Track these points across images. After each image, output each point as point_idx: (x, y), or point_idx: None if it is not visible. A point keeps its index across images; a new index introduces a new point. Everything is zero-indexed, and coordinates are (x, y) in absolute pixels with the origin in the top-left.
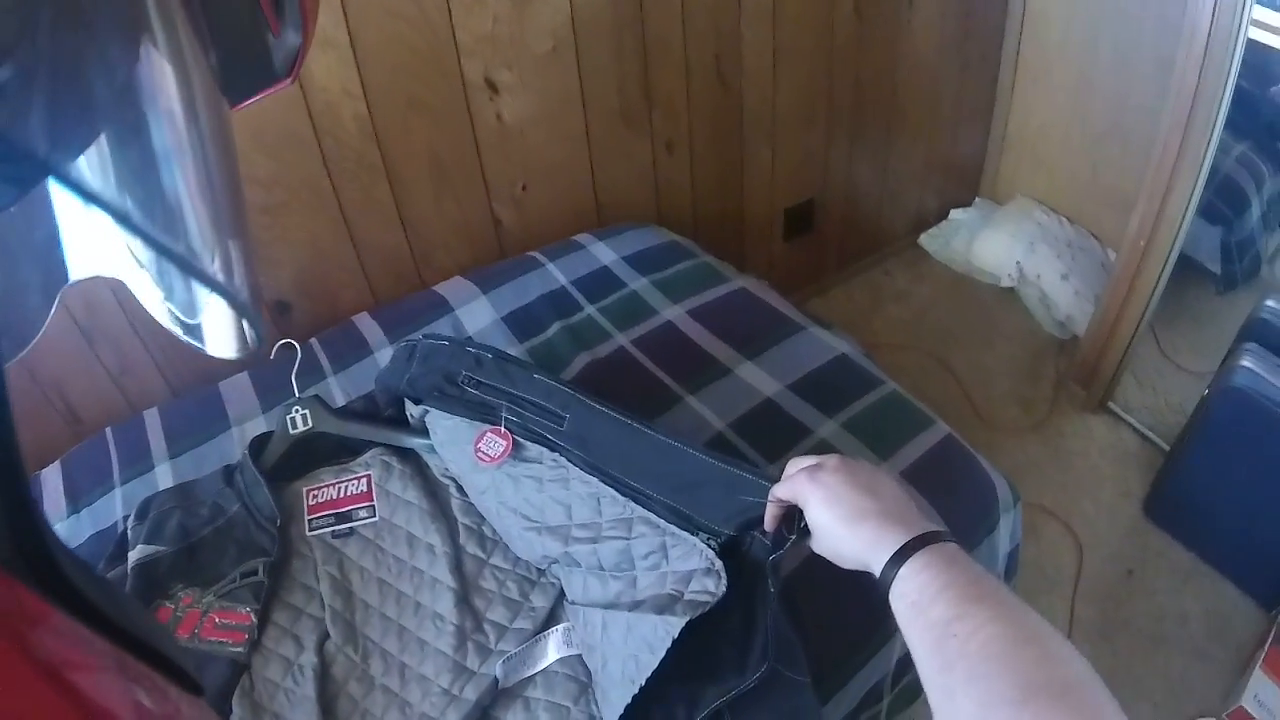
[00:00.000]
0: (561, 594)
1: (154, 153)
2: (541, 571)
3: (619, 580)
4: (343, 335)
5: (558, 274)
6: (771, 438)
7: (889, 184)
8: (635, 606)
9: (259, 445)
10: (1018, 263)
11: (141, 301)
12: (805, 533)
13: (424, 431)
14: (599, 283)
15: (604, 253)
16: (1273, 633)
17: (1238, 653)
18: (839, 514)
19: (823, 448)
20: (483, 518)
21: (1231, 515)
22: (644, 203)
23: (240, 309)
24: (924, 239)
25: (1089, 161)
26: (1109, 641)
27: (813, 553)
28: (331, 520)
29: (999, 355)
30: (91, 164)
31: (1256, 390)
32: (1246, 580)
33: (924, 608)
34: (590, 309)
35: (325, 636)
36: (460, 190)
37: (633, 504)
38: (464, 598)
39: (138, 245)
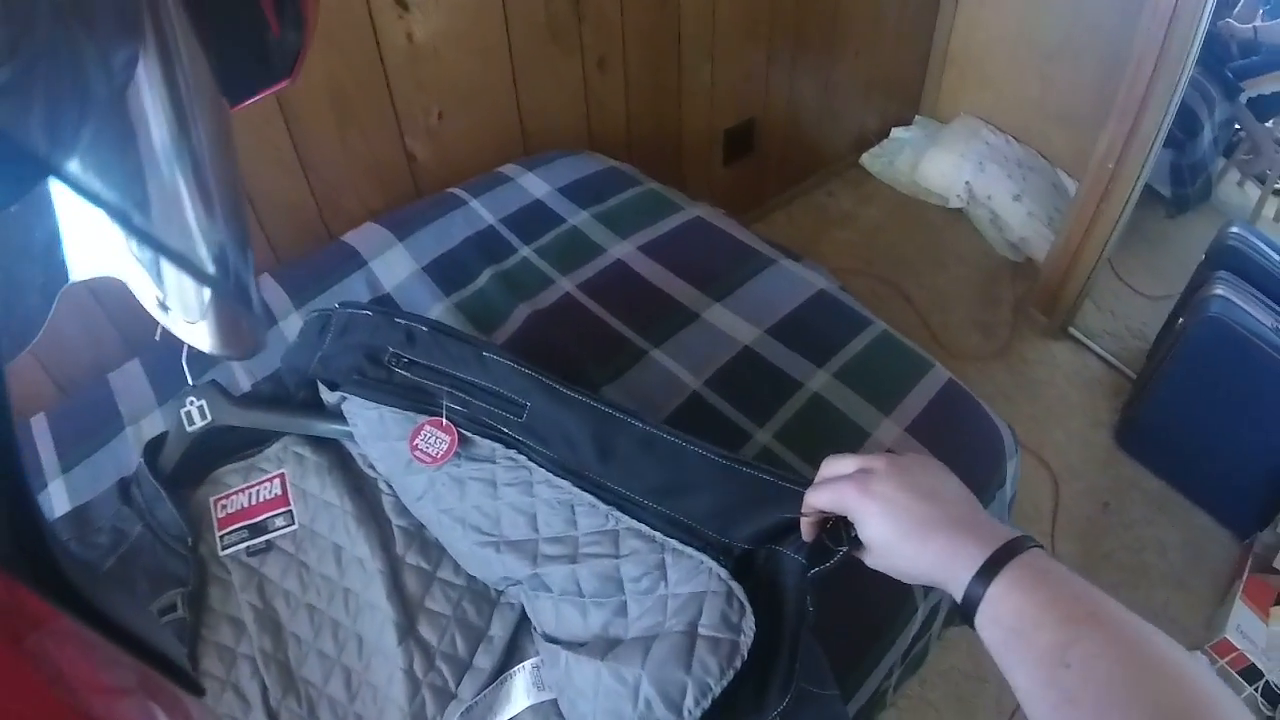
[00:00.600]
0: (523, 618)
1: (154, 152)
2: (500, 591)
3: (603, 609)
4: None
5: (484, 212)
6: (757, 394)
7: (830, 102)
8: (626, 647)
9: (154, 449)
10: (967, 183)
11: (141, 301)
12: (855, 543)
13: (343, 416)
14: (532, 219)
15: (535, 184)
16: (1249, 561)
17: (1214, 580)
18: (903, 528)
19: (815, 402)
20: None
21: (1204, 444)
22: (574, 127)
23: (239, 308)
24: (866, 159)
25: (1038, 79)
26: (1092, 576)
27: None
28: (245, 534)
29: (953, 279)
30: (91, 164)
31: (1233, 319)
32: (1219, 508)
33: (1027, 634)
34: (525, 250)
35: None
36: (367, 124)
37: (617, 513)
38: (409, 628)
39: (137, 244)
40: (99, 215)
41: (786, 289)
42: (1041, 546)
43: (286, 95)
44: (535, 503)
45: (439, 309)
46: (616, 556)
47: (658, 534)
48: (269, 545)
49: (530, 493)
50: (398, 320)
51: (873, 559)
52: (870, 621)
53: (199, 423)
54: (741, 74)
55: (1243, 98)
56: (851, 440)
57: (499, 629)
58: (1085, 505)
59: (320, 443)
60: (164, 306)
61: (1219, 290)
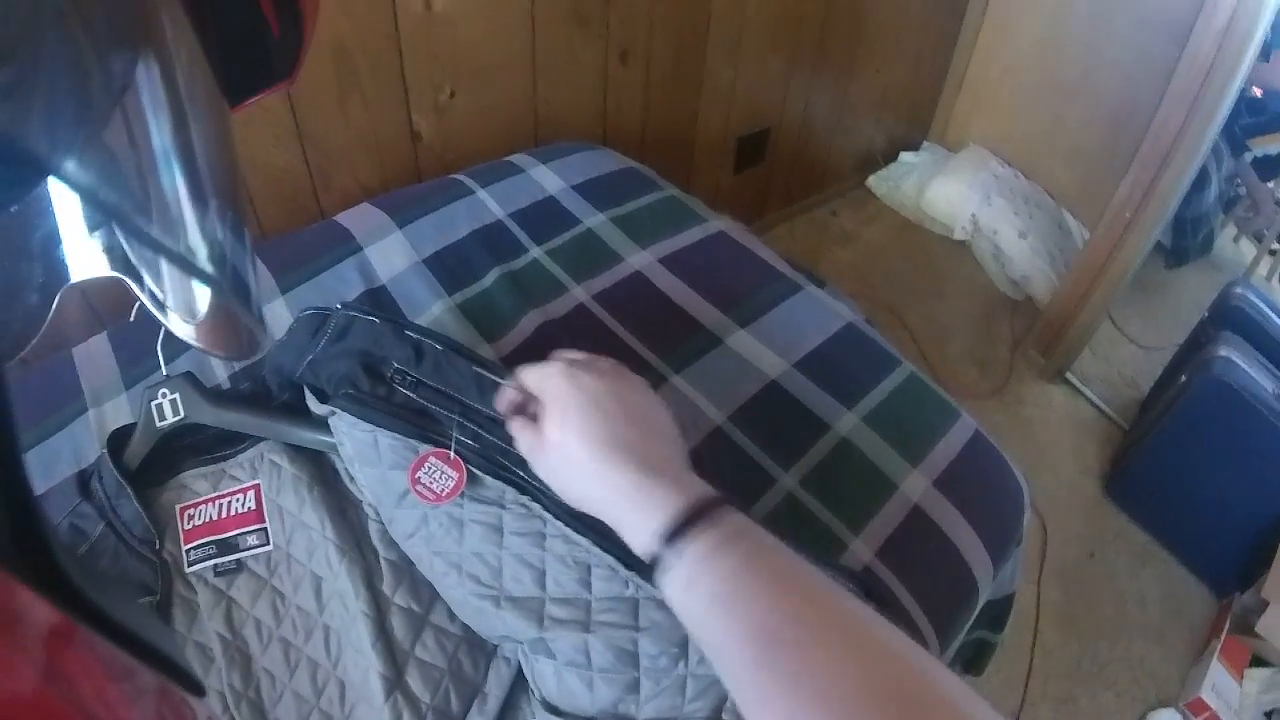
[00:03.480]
0: (520, 675)
1: (154, 153)
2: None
3: (613, 685)
4: None
5: (491, 203)
6: (784, 434)
7: (843, 119)
8: None
9: (118, 441)
10: (973, 215)
11: (142, 301)
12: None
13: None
14: (545, 217)
15: (548, 178)
16: (1227, 621)
17: (1192, 637)
18: (593, 436)
19: (843, 448)
20: None
21: (1193, 501)
22: (589, 120)
23: (240, 310)
24: (872, 180)
25: (1051, 115)
26: (1074, 625)
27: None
28: (213, 550)
29: (952, 310)
30: (91, 165)
31: (1236, 381)
32: (1202, 566)
33: (734, 604)
34: (536, 251)
35: None
36: (372, 94)
37: (638, 579)
38: (396, 680)
39: (137, 245)
40: (99, 215)
41: (814, 319)
42: (745, 513)
43: None
44: (546, 557)
45: (439, 307)
46: (635, 629)
47: None
48: (239, 565)
49: (541, 546)
50: (407, 332)
51: (544, 462)
52: None
53: (170, 418)
54: (762, 81)
55: (1248, 155)
56: (878, 491)
57: (495, 686)
58: (1071, 552)
59: (300, 452)
60: (164, 307)
61: (1223, 351)
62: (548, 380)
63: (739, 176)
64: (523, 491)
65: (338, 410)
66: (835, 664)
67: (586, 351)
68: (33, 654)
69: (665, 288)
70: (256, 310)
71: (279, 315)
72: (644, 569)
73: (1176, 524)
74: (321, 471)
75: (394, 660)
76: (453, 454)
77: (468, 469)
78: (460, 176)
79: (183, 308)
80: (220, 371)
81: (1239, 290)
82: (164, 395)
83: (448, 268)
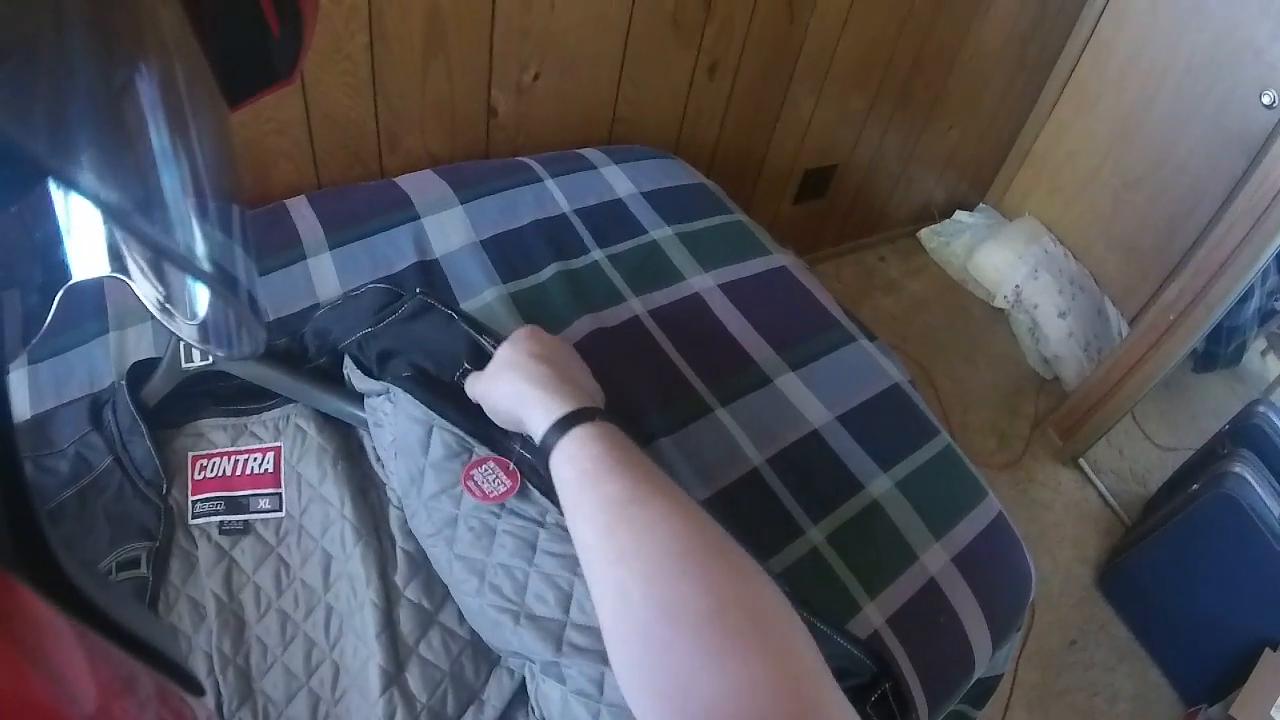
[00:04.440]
0: (521, 689)
1: (153, 153)
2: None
3: None
4: (270, 223)
5: (558, 195)
6: (817, 487)
7: (908, 168)
8: None
9: (137, 376)
10: (1017, 286)
11: (143, 301)
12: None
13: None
14: (611, 220)
15: (619, 180)
16: None
17: None
18: (518, 357)
19: (873, 511)
20: None
21: (1179, 609)
22: (666, 127)
23: (239, 310)
24: (925, 233)
25: (1110, 203)
26: (1043, 710)
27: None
28: (220, 506)
29: (981, 378)
30: (91, 165)
31: (1246, 500)
32: (1176, 672)
33: (598, 479)
34: (598, 254)
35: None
36: (457, 62)
37: None
38: (395, 676)
39: (137, 245)
40: (99, 215)
41: (863, 374)
42: (622, 429)
43: (381, 7)
44: (576, 582)
45: (492, 294)
46: None
47: None
48: (246, 527)
49: (573, 570)
50: (485, 339)
51: (478, 385)
52: None
53: (197, 361)
54: (839, 117)
55: None
56: (899, 560)
57: (494, 696)
58: (1054, 637)
59: (329, 421)
60: (164, 306)
61: (1237, 468)
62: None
63: (798, 207)
64: (536, 461)
65: (393, 389)
66: (667, 545)
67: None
68: (33, 655)
69: (722, 316)
70: (256, 310)
71: (325, 270)
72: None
73: (1160, 627)
74: (348, 446)
75: (396, 654)
76: (512, 464)
77: (522, 479)
78: (529, 161)
79: (183, 307)
80: None
81: (1262, 409)
82: None
83: (506, 254)
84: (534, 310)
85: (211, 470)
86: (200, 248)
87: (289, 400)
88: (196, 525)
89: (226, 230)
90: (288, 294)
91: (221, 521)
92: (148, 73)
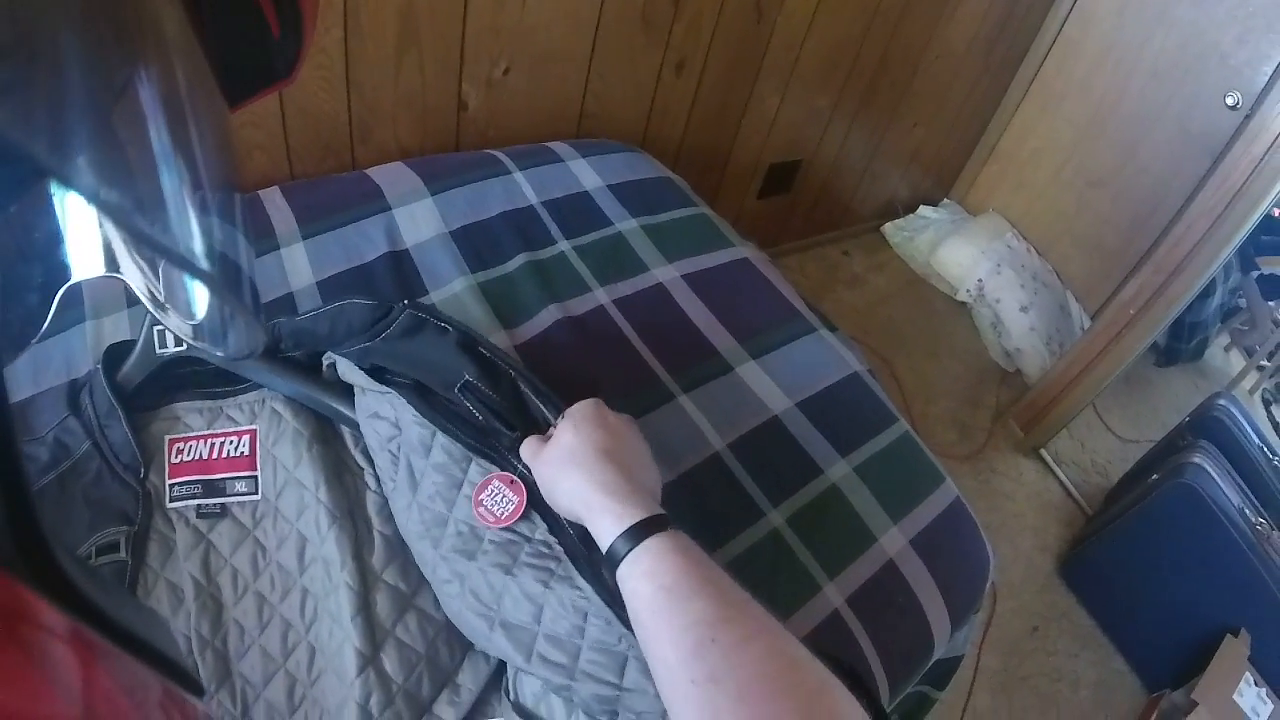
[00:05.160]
0: (499, 674)
1: (153, 154)
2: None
3: None
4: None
5: (526, 188)
6: (778, 471)
7: (872, 164)
8: None
9: (113, 360)
10: (979, 280)
11: (143, 301)
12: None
13: (341, 390)
14: (577, 212)
15: (585, 173)
16: (1154, 716)
17: None
18: (591, 441)
19: (832, 494)
20: None
21: (1140, 596)
22: (632, 122)
23: (239, 309)
24: (889, 228)
25: (1074, 201)
26: (1006, 695)
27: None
28: (197, 490)
29: (943, 370)
30: (91, 165)
31: (1206, 490)
32: (1138, 658)
33: (681, 598)
34: (564, 244)
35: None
36: (429, 56)
37: (632, 637)
38: (371, 657)
39: (136, 245)
40: (99, 215)
41: (823, 363)
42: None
43: (355, 3)
44: (547, 595)
45: (461, 284)
46: (619, 689)
47: None
48: (223, 510)
49: (548, 585)
50: (480, 349)
51: (544, 462)
52: None
53: (171, 347)
54: (804, 114)
55: (1255, 272)
56: (858, 541)
57: (469, 680)
58: (1015, 624)
59: (305, 405)
60: (164, 306)
61: (1197, 459)
62: (574, 407)
63: (763, 201)
64: (551, 531)
65: (397, 400)
66: (761, 670)
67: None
68: (34, 655)
69: (685, 305)
70: (258, 309)
71: (297, 259)
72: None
73: (1121, 615)
74: (324, 430)
75: (373, 637)
76: (516, 477)
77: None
78: (498, 154)
79: (182, 306)
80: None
81: (1222, 402)
82: None
83: (474, 245)
84: (502, 300)
85: (188, 453)
86: (200, 248)
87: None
88: (174, 509)
89: (227, 228)
90: (262, 283)
91: (199, 505)
92: (148, 73)
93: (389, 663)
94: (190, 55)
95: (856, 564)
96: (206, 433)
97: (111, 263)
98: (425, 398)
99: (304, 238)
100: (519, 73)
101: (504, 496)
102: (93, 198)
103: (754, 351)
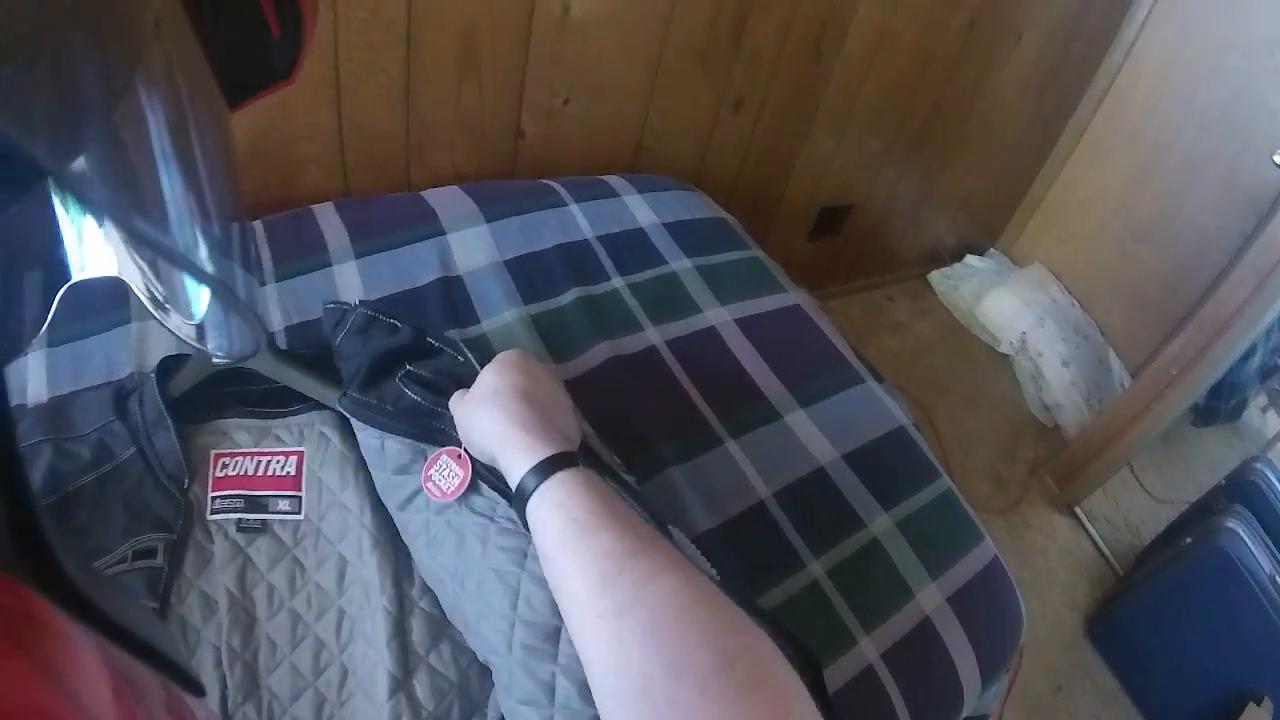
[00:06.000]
0: None
1: (153, 154)
2: None
3: None
4: (295, 227)
5: (582, 221)
6: (821, 522)
7: (921, 211)
8: None
9: (167, 369)
10: (1023, 333)
11: (143, 301)
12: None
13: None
14: (632, 248)
15: (641, 210)
16: None
17: None
18: (504, 388)
19: (873, 548)
20: None
21: (1166, 660)
22: (688, 159)
23: (239, 310)
24: (934, 276)
25: (1119, 254)
26: None
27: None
28: (240, 504)
29: (982, 421)
30: (91, 165)
31: (1239, 556)
32: None
33: (590, 531)
34: (618, 281)
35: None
36: (489, 82)
37: None
38: (403, 681)
39: (136, 246)
40: (98, 216)
41: (870, 415)
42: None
43: (420, 22)
44: (522, 576)
45: (513, 314)
46: None
47: None
48: (264, 526)
49: (521, 565)
50: (430, 340)
51: (461, 411)
52: None
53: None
54: (858, 158)
55: None
56: (896, 597)
57: (496, 712)
58: (1039, 682)
59: (352, 429)
60: (164, 307)
61: (1231, 524)
62: (501, 354)
63: (812, 244)
64: (511, 505)
65: (345, 412)
66: (665, 599)
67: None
68: (29, 651)
69: (736, 350)
70: (255, 309)
71: (349, 277)
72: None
73: (1146, 677)
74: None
75: (406, 662)
76: (461, 451)
77: (473, 472)
78: (554, 184)
79: (181, 307)
80: (277, 316)
81: (1259, 466)
82: None
83: (528, 275)
84: (553, 333)
85: (233, 468)
86: (199, 247)
87: (315, 406)
88: (214, 521)
89: (226, 230)
90: (310, 299)
91: (240, 519)
92: (148, 73)
93: (420, 689)
94: (190, 56)
95: (893, 619)
96: (253, 450)
97: (111, 263)
98: (365, 405)
99: (356, 256)
100: (578, 103)
101: (450, 470)
102: (92, 198)
103: (803, 400)
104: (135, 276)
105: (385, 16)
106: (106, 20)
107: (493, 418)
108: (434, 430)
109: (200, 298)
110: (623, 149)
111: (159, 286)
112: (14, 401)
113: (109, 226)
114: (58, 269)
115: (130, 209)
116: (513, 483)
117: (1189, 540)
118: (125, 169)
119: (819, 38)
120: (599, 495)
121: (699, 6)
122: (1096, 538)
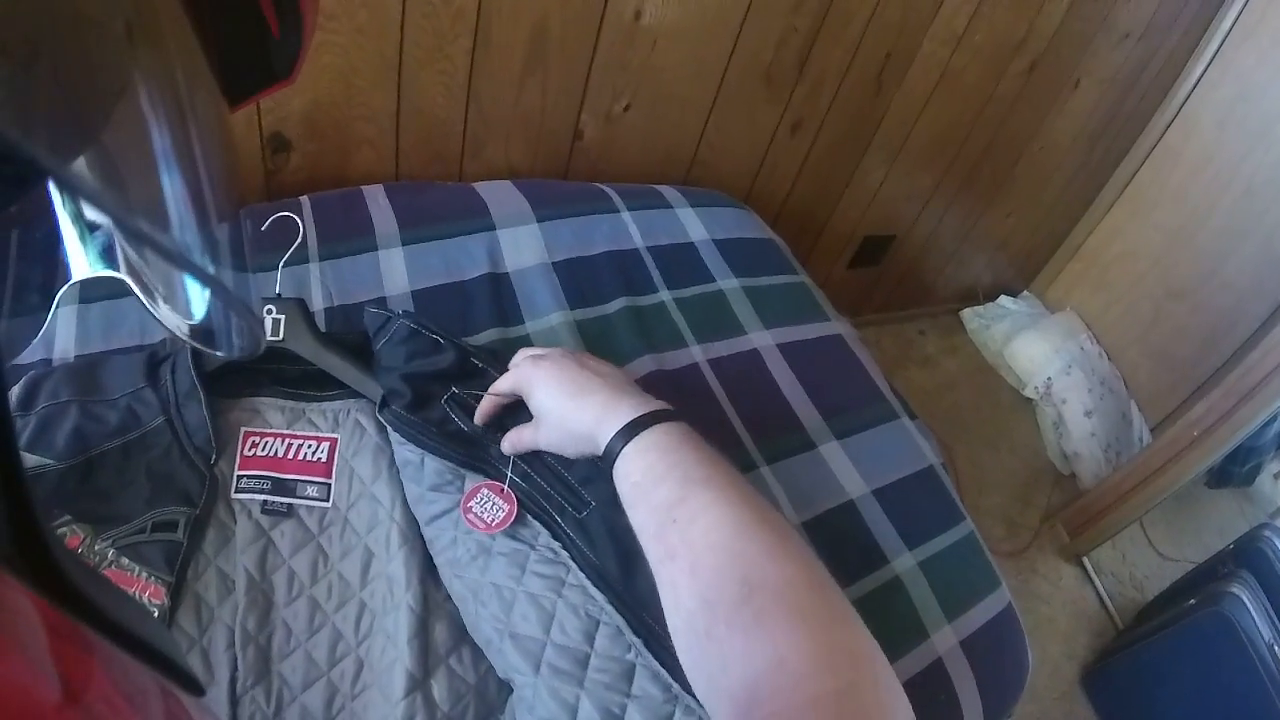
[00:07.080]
0: None
1: (152, 154)
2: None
3: None
4: (343, 208)
5: (633, 230)
6: (846, 556)
7: (963, 248)
8: None
9: None
10: (1049, 379)
11: (143, 301)
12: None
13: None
14: (681, 262)
15: (693, 224)
16: None
17: None
18: (565, 390)
19: (893, 586)
20: None
21: (1159, 718)
22: (741, 176)
23: (238, 309)
24: (967, 313)
25: (1152, 309)
26: None
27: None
28: (266, 486)
29: (1001, 464)
30: (91, 165)
31: (1240, 623)
32: None
33: (648, 489)
34: (665, 294)
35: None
36: (553, 80)
37: (641, 646)
38: (422, 681)
39: (136, 245)
40: (98, 216)
41: (902, 452)
42: (688, 422)
43: (490, 13)
44: (559, 603)
45: (558, 318)
46: (627, 696)
47: (675, 684)
48: (289, 510)
49: (559, 592)
50: (473, 360)
51: (543, 431)
52: None
53: (268, 337)
54: (905, 190)
55: None
56: (911, 636)
57: (509, 716)
58: None
59: None
60: (164, 306)
61: (1236, 589)
62: (520, 375)
63: (851, 271)
64: (555, 537)
65: (385, 424)
66: (703, 538)
67: (689, 415)
68: (17, 640)
69: (777, 374)
70: (252, 309)
71: (394, 264)
72: (650, 635)
73: None
74: None
75: (426, 661)
76: (506, 487)
77: (519, 506)
78: (608, 189)
79: (181, 306)
80: (318, 296)
81: (1268, 534)
82: (268, 312)
83: (576, 280)
84: (598, 340)
85: (263, 449)
86: (198, 247)
87: (352, 394)
88: (239, 500)
89: (225, 231)
90: (354, 283)
91: (265, 501)
92: (147, 72)
93: (438, 689)
94: (190, 55)
95: (907, 658)
96: (285, 432)
97: (111, 262)
98: (409, 424)
99: (404, 243)
100: (639, 111)
101: (494, 504)
102: (91, 197)
103: (838, 431)
104: (134, 276)
105: (455, 5)
106: (105, 19)
107: (570, 417)
108: (477, 459)
109: (199, 298)
110: (678, 160)
111: (158, 285)
112: (39, 356)
113: (108, 226)
114: (58, 269)
115: (130, 209)
116: (602, 456)
117: (1192, 601)
118: (124, 168)
119: (882, 68)
120: (659, 450)
121: (771, 27)
122: (1101, 590)
